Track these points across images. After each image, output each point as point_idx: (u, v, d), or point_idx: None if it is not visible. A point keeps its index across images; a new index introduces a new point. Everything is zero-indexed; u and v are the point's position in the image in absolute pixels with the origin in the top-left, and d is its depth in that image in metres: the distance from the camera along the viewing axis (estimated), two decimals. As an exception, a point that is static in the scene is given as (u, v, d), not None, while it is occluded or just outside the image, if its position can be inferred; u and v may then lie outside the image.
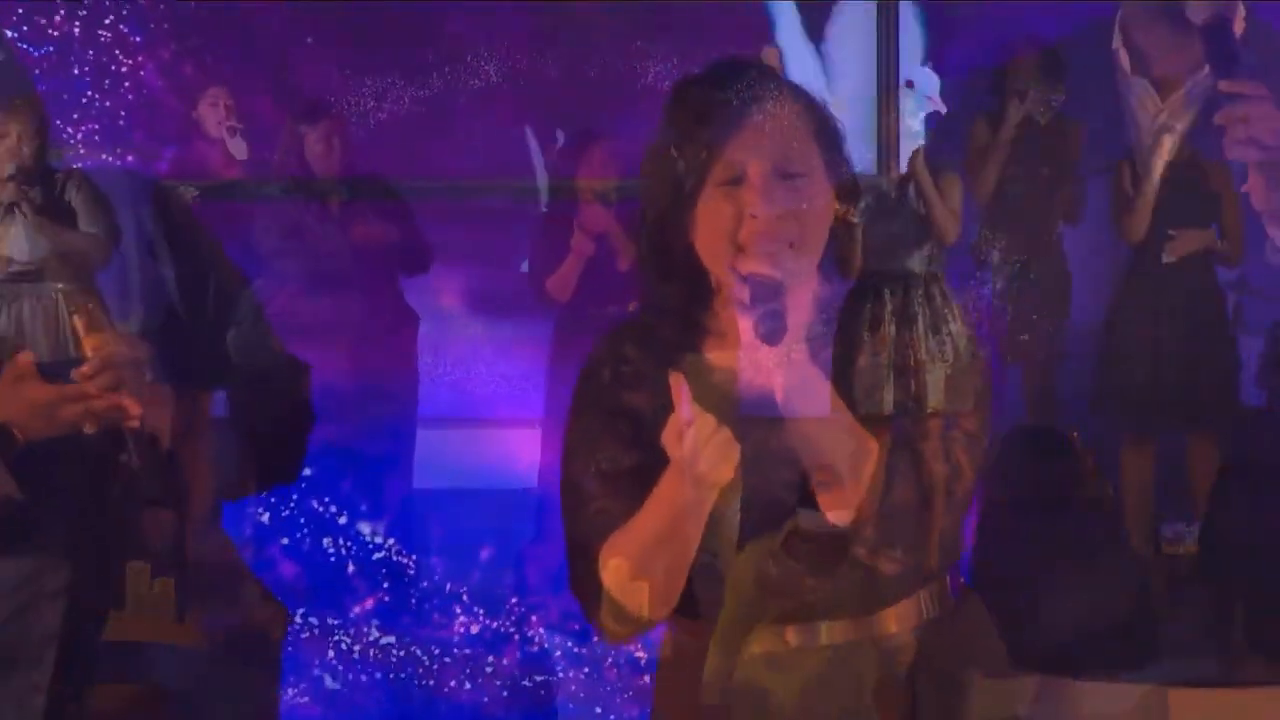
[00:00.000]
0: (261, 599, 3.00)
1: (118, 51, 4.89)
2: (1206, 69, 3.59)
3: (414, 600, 4.80)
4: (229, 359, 2.64)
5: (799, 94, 2.05)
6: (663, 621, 2.03)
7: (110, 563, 2.65)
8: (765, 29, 5.54)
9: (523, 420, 5.11)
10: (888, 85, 5.22)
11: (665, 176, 2.02)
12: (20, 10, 4.44)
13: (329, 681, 4.52)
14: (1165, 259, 4.48)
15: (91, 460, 2.44)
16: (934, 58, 5.32)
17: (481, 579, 4.78)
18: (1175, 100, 4.48)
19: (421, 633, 4.65)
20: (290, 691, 4.22)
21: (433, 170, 5.45)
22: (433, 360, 5.29)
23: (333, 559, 4.83)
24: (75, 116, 4.62)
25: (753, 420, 1.94)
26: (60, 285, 2.75)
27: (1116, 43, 4.45)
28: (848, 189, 2.06)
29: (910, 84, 5.23)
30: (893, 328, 2.09)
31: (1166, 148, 4.46)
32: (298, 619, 4.49)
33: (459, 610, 4.71)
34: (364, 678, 4.56)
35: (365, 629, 4.66)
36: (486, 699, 4.51)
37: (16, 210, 2.78)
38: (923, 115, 5.11)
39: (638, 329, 2.11)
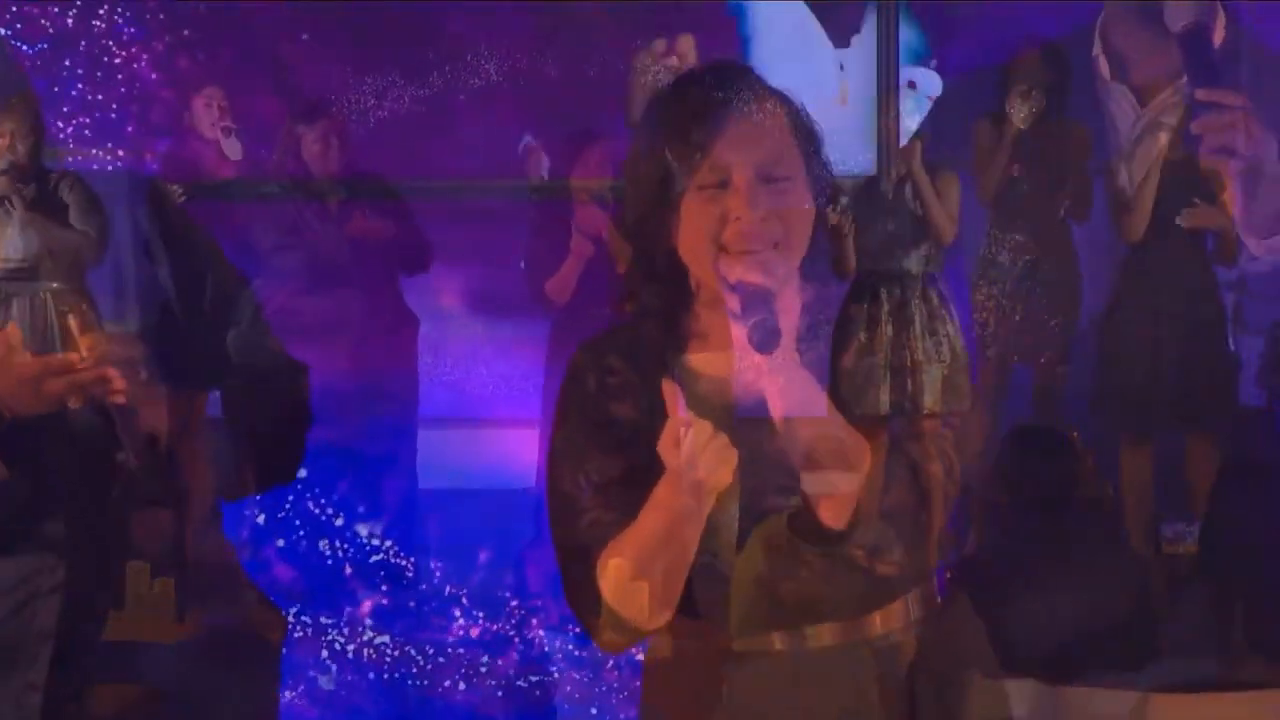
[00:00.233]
0: (260, 603, 3.00)
1: (111, 43, 4.89)
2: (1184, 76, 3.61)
3: (413, 601, 4.80)
4: (227, 359, 2.65)
5: (779, 97, 2.06)
6: (660, 628, 2.02)
7: (110, 562, 2.65)
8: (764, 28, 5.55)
9: (522, 420, 5.11)
10: (888, 85, 5.22)
11: (648, 180, 2.02)
12: (15, 8, 4.44)
13: (328, 683, 4.52)
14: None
15: (88, 460, 2.44)
16: (934, 58, 5.32)
17: (481, 580, 4.79)
18: (1164, 100, 4.48)
19: (421, 634, 4.65)
20: (289, 693, 4.22)
21: (433, 170, 5.45)
22: (432, 360, 5.29)
23: (331, 560, 4.83)
24: (66, 110, 4.62)
25: (746, 423, 1.94)
26: (55, 285, 2.75)
27: (1096, 49, 4.45)
28: (827, 191, 2.07)
29: (912, 84, 5.22)
30: (889, 328, 2.10)
31: (1164, 146, 4.46)
32: (297, 620, 4.49)
33: (458, 611, 4.71)
34: (363, 679, 4.56)
35: (365, 630, 4.66)
36: (486, 700, 4.51)
37: (9, 206, 2.78)
38: (921, 116, 5.11)
39: (619, 337, 2.11)
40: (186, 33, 5.15)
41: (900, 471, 2.00)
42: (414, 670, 4.56)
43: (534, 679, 4.52)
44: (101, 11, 4.88)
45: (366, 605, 4.74)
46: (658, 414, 1.91)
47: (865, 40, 5.43)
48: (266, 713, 2.98)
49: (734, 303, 1.94)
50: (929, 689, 2.10)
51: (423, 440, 5.13)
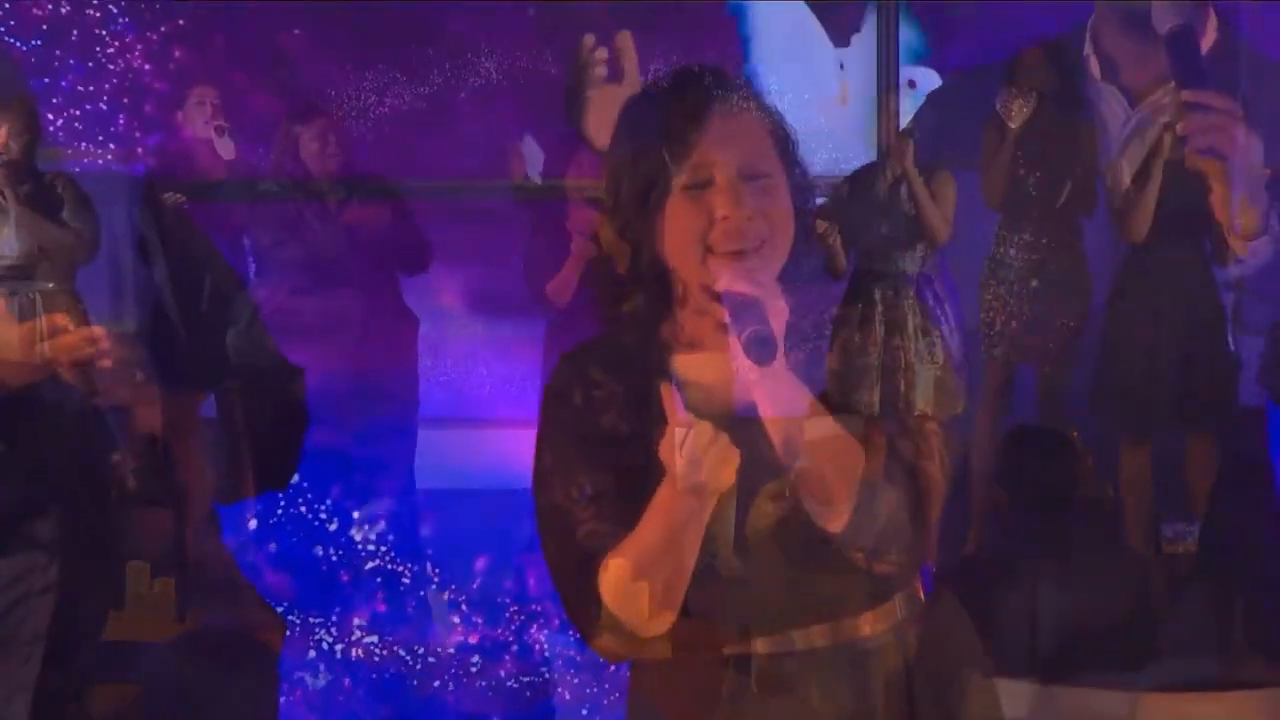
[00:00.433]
0: (258, 607, 3.00)
1: (103, 31, 4.89)
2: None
3: (413, 603, 4.79)
4: (224, 361, 2.65)
5: (754, 99, 2.07)
6: (662, 634, 2.02)
7: (110, 562, 2.65)
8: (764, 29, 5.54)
9: (522, 420, 5.08)
10: (888, 85, 5.22)
11: (629, 184, 2.03)
12: (8, 3, 4.43)
13: (327, 685, 4.51)
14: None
15: (85, 459, 2.44)
16: (934, 58, 5.32)
17: (480, 581, 4.78)
18: (1157, 100, 4.48)
19: (420, 636, 4.65)
20: (288, 695, 4.21)
21: (433, 170, 5.44)
22: (432, 360, 5.29)
23: (330, 561, 4.83)
24: (55, 101, 4.61)
25: (738, 426, 1.94)
26: (49, 285, 2.75)
27: (1087, 49, 4.44)
28: (807, 192, 2.08)
29: (912, 84, 5.22)
30: (882, 329, 2.10)
31: (1165, 147, 4.46)
32: (296, 621, 4.49)
33: (458, 613, 4.71)
34: (362, 681, 4.56)
35: (364, 631, 4.66)
36: (487, 703, 4.50)
37: (3, 203, 2.78)
38: (916, 115, 5.10)
39: (600, 348, 2.11)
40: (181, 22, 5.13)
41: (895, 471, 2.00)
42: (415, 672, 4.55)
43: (528, 679, 4.52)
44: (95, 2, 4.88)
45: (364, 607, 4.74)
46: (646, 423, 1.92)
47: (865, 40, 5.43)
48: (266, 713, 2.98)
49: (723, 313, 1.95)
50: (927, 690, 2.10)
51: (423, 440, 5.13)
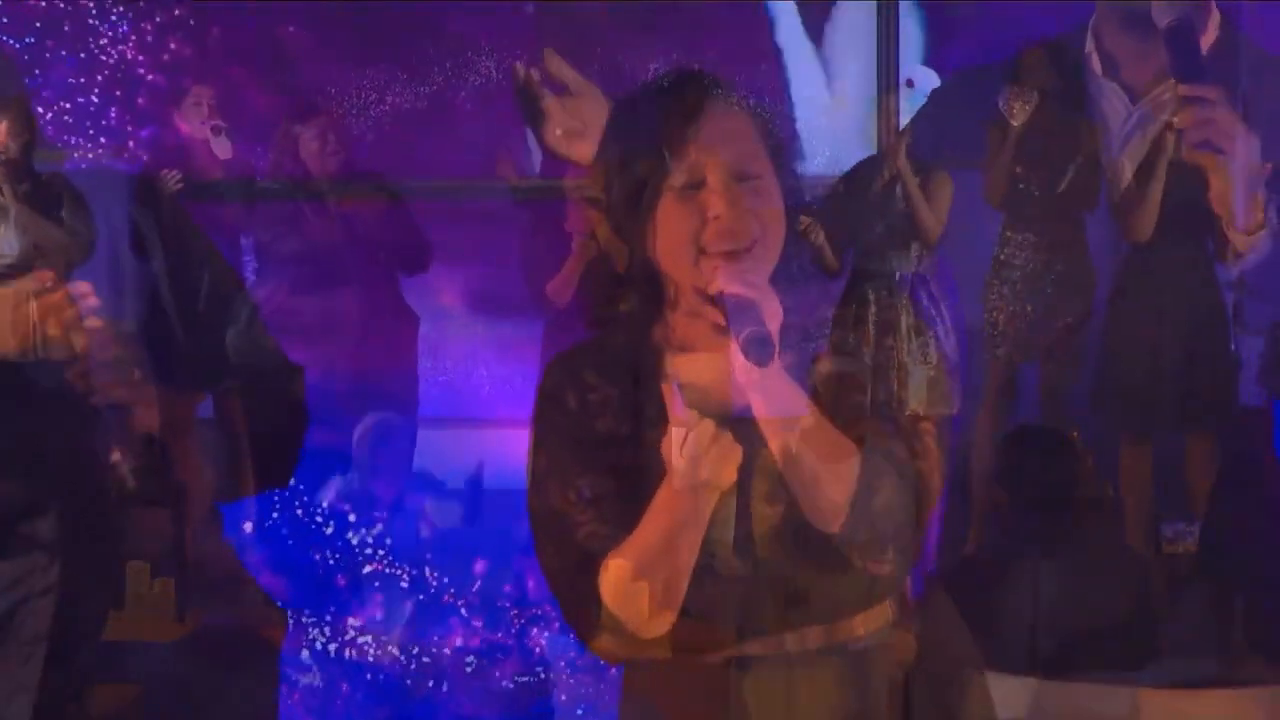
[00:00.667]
0: (260, 603, 3.01)
1: (97, 22, 4.88)
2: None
3: (412, 603, 4.79)
4: (223, 360, 2.65)
5: (744, 101, 2.07)
6: (661, 634, 2.01)
7: (110, 562, 2.65)
8: (765, 29, 5.54)
9: (522, 420, 5.08)
10: (888, 85, 5.21)
11: (620, 186, 2.03)
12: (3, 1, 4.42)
13: (325, 685, 4.51)
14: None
15: (84, 459, 2.45)
16: (934, 58, 5.31)
17: (480, 581, 4.78)
18: (1158, 97, 4.47)
19: (420, 636, 4.65)
20: (287, 695, 4.21)
21: (433, 170, 5.44)
22: (432, 361, 5.29)
23: (329, 562, 4.82)
24: (47, 95, 4.61)
25: (736, 424, 1.94)
26: (46, 285, 2.75)
27: (1089, 46, 4.44)
28: (796, 194, 2.08)
29: (910, 84, 5.22)
30: (875, 329, 2.10)
31: (1169, 145, 4.46)
32: (295, 622, 4.49)
33: (457, 614, 4.70)
34: (360, 681, 4.55)
35: (363, 631, 4.66)
36: (486, 705, 4.50)
37: (3, 200, 2.78)
38: (914, 115, 5.10)
39: (592, 351, 2.11)
40: (177, 12, 5.13)
41: (890, 471, 2.01)
42: (413, 672, 4.55)
43: (527, 680, 4.52)
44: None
45: (366, 606, 4.74)
46: (641, 425, 1.92)
47: (865, 40, 5.43)
48: (265, 712, 2.98)
49: (718, 315, 1.95)
50: (924, 691, 2.11)
51: (422, 440, 5.13)
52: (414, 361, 5.17)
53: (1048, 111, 4.69)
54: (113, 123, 4.88)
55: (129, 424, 2.44)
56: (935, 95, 5.04)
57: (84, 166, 4.40)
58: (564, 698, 4.47)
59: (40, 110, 4.48)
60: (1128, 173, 4.39)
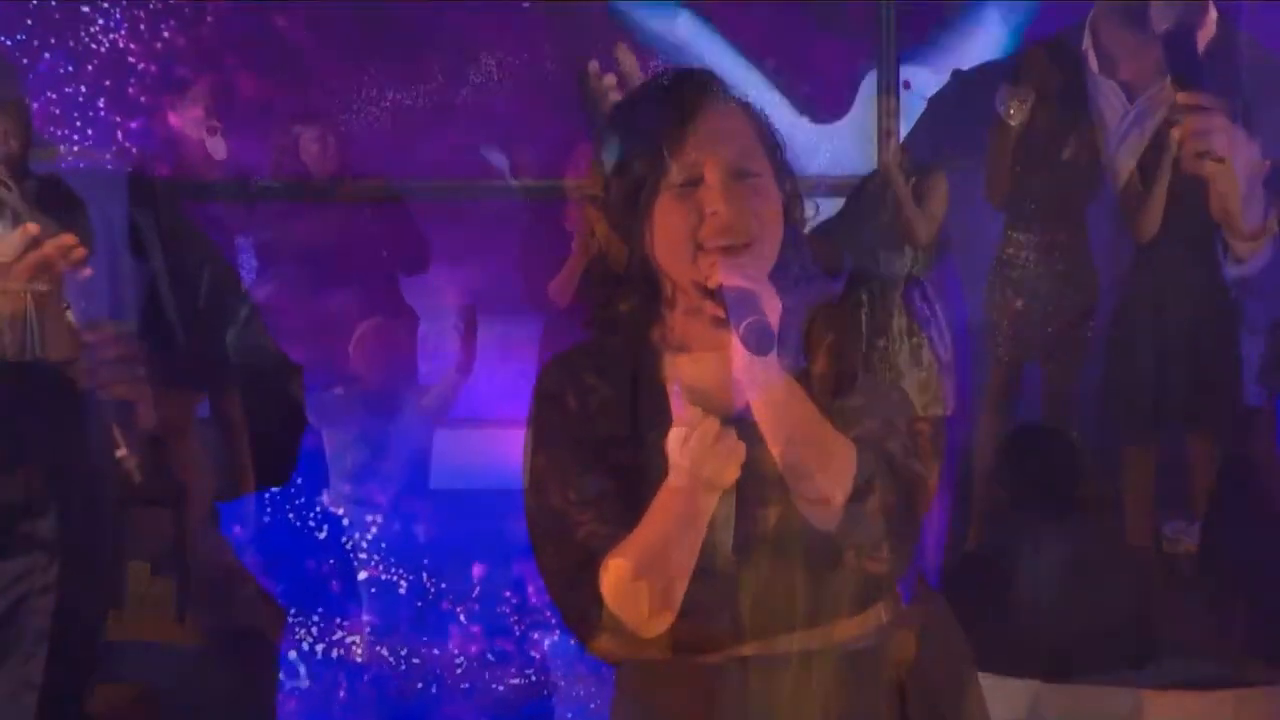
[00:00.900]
0: (260, 600, 3.00)
1: (95, 18, 4.88)
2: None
3: (411, 604, 4.79)
4: (223, 358, 2.65)
5: (741, 101, 2.08)
6: (661, 633, 2.02)
7: (109, 562, 2.65)
8: (764, 29, 5.55)
9: (523, 420, 5.08)
10: (888, 85, 5.21)
11: (617, 184, 2.03)
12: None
13: (325, 685, 4.51)
14: None
15: (85, 457, 2.44)
16: (934, 58, 5.31)
17: (480, 581, 4.78)
18: (1154, 95, 4.47)
19: (420, 636, 4.65)
20: (285, 695, 4.21)
21: (433, 170, 5.44)
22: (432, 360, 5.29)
23: (328, 562, 4.82)
24: (43, 92, 4.60)
25: (735, 424, 1.94)
26: (45, 287, 2.75)
27: (1086, 44, 4.44)
28: (793, 194, 2.09)
29: (907, 84, 5.22)
30: (870, 331, 2.11)
31: (1173, 144, 4.45)
32: (294, 621, 4.49)
33: (458, 614, 4.70)
34: (359, 681, 4.55)
35: (362, 632, 4.66)
36: (486, 706, 4.50)
37: (7, 195, 2.78)
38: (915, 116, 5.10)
39: (590, 353, 2.11)
40: (183, 28, 5.13)
41: (885, 470, 2.01)
42: (413, 673, 4.55)
43: (535, 680, 4.52)
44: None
45: (365, 606, 4.74)
46: (640, 425, 1.93)
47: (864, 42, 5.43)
48: (264, 713, 2.98)
49: (717, 308, 1.95)
50: (923, 692, 2.11)
51: (422, 440, 5.12)
52: (414, 361, 5.17)
53: (1047, 110, 4.69)
54: (115, 125, 4.89)
55: (131, 421, 2.44)
56: (935, 96, 5.04)
57: (80, 165, 4.40)
58: (560, 698, 4.47)
59: (34, 104, 4.48)
60: (1126, 169, 4.39)
